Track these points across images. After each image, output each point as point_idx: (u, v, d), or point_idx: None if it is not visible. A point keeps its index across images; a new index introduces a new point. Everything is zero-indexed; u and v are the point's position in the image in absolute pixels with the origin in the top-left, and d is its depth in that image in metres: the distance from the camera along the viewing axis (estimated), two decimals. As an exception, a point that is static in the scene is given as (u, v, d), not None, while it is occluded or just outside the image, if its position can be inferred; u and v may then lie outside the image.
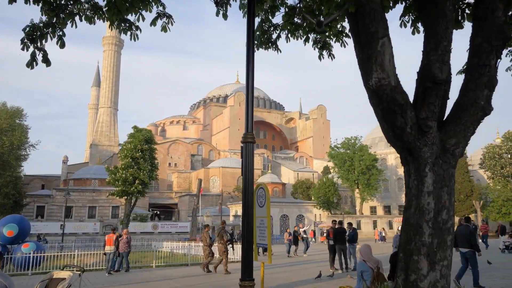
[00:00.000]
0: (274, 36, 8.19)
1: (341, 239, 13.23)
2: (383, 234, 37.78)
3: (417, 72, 4.65)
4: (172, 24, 6.64)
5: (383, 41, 4.46)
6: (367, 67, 4.57)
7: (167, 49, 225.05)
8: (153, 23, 6.48)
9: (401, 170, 62.06)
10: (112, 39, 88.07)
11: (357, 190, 54.76)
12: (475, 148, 77.09)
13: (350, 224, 14.16)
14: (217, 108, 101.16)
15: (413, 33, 6.18)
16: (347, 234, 13.66)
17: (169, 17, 6.54)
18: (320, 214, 55.26)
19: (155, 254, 17.10)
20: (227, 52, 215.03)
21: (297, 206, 48.40)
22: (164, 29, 6.62)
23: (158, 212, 57.21)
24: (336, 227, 13.74)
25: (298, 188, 69.75)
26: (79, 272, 6.09)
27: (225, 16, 7.49)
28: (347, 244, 13.65)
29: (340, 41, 7.46)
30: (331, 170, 62.65)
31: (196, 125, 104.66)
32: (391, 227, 52.10)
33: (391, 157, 61.57)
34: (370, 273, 5.47)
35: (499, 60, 4.78)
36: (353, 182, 52.96)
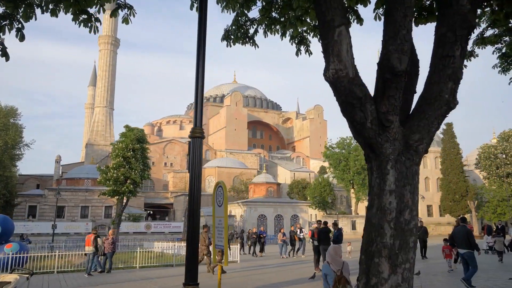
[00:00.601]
0: (251, 31, 7.95)
1: (325, 240, 12.99)
2: None
3: (377, 64, 4.39)
4: (134, 16, 6.38)
5: (340, 30, 4.20)
6: (325, 57, 4.32)
7: (166, 49, 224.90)
8: (114, 14, 6.22)
9: (396, 170, 61.81)
10: (108, 38, 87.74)
11: (352, 190, 54.56)
12: (472, 148, 77.06)
13: (335, 224, 13.91)
14: (213, 107, 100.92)
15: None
16: (332, 234, 13.40)
17: (130, 8, 6.28)
18: (316, 214, 55.05)
19: (139, 254, 16.80)
20: (224, 52, 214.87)
21: (292, 206, 48.17)
22: (125, 20, 6.36)
23: (152, 212, 56.85)
24: (321, 227, 13.47)
25: (294, 188, 69.56)
26: (27, 276, 5.81)
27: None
28: (332, 245, 13.38)
29: (318, 36, 7.22)
30: (327, 170, 62.46)
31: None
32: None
33: (386, 157, 61.30)
34: (333, 276, 5.21)
35: (474, 53, 4.54)
36: (348, 182, 52.75)
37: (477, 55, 10.30)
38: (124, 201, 35.21)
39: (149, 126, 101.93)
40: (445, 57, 4.42)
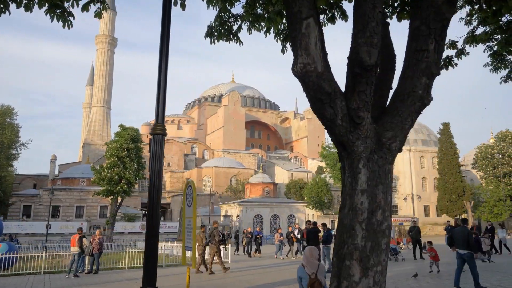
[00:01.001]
0: (235, 27, 7.77)
1: (314, 240, 12.80)
2: None
3: (347, 58, 4.21)
4: (106, 10, 6.19)
5: (308, 22, 4.02)
6: (293, 51, 4.15)
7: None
8: (85, 8, 6.03)
9: (394, 170, 61.46)
10: (105, 38, 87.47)
11: (349, 190, 54.35)
12: (469, 148, 76.86)
13: (324, 224, 13.74)
14: (211, 107, 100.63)
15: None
16: (321, 235, 13.22)
17: (102, 2, 6.09)
18: (313, 214, 54.85)
19: (127, 255, 16.59)
20: (223, 52, 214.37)
21: (288, 206, 47.98)
22: (98, 15, 6.17)
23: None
24: (310, 227, 13.28)
25: (292, 188, 69.45)
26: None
27: (183, 6, 7.09)
28: (321, 246, 13.22)
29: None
30: (324, 170, 62.29)
31: (190, 125, 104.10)
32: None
33: (384, 157, 61.18)
34: (307, 279, 5.02)
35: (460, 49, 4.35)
36: (345, 182, 52.52)
37: (467, 54, 10.13)
38: (119, 201, 35.02)
39: (147, 126, 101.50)
40: (419, 51, 4.25)
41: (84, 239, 13.90)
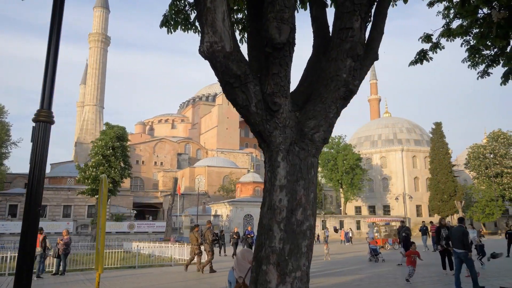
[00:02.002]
0: (193, 16, 7.29)
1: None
2: (350, 235, 35.82)
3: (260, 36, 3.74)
4: None
5: (214, -6, 3.55)
6: (200, 28, 3.68)
7: (162, 48, 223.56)
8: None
9: (386, 170, 61.51)
10: (98, 36, 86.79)
11: (341, 190, 54.01)
12: (463, 148, 76.58)
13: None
14: (205, 106, 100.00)
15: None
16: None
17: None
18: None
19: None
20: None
21: (279, 206, 47.50)
22: None
23: (136, 212, 56.10)
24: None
25: (284, 188, 68.93)
26: None
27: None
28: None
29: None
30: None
31: (184, 124, 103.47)
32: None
33: (376, 157, 60.86)
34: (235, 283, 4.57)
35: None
36: (336, 182, 52.17)
37: (443, 47, 9.71)
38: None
39: (141, 125, 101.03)
40: (343, 29, 3.78)
41: (46, 240, 13.40)
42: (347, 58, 3.76)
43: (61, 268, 13.84)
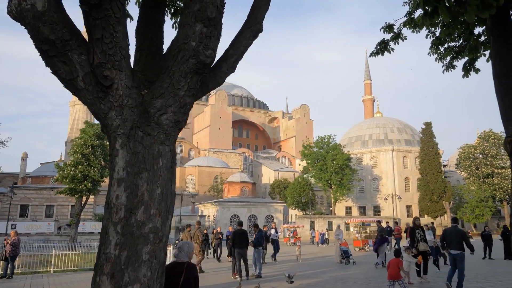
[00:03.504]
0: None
1: (241, 243, 11.63)
2: (326, 236, 34.70)
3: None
4: None
5: None
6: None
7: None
8: None
9: (376, 170, 60.89)
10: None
11: (330, 190, 53.36)
12: (455, 149, 76.06)
13: (256, 225, 12.61)
14: (198, 106, 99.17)
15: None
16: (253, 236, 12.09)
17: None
18: (296, 215, 53.75)
19: (53, 257, 15.32)
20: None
21: (266, 206, 46.83)
22: None
23: None
24: (237, 228, 12.11)
25: (276, 188, 68.32)
26: None
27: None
28: (254, 249, 12.11)
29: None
30: (311, 170, 61.20)
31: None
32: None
33: (366, 157, 60.24)
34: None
35: None
36: (325, 182, 51.50)
37: (405, 38, 9.09)
38: (83, 200, 33.74)
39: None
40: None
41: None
42: (196, 22, 3.08)
43: (8, 271, 13.12)
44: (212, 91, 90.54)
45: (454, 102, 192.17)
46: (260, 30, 3.75)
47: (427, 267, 11.10)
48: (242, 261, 11.50)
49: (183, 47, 3.09)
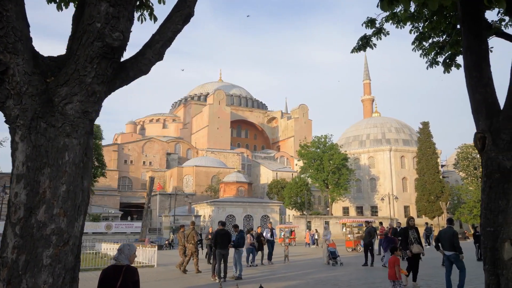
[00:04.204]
0: None
1: (222, 244, 11.33)
2: (316, 237, 33.79)
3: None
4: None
5: None
6: None
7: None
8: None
9: (374, 170, 60.51)
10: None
11: (327, 190, 53.03)
12: (454, 149, 75.53)
13: (235, 226, 12.31)
14: (197, 106, 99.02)
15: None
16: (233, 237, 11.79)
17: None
18: (293, 215, 53.42)
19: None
20: (210, 51, 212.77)
21: (262, 206, 46.52)
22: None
23: (113, 212, 55.06)
24: (219, 229, 11.80)
25: (273, 188, 68.02)
26: None
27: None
28: (235, 250, 11.81)
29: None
30: (303, 170, 60.88)
31: (176, 124, 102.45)
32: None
33: (364, 157, 59.85)
34: None
35: None
36: (322, 182, 51.16)
37: (387, 33, 8.81)
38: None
39: (132, 125, 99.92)
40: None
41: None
42: (101, 1, 2.78)
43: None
44: (210, 91, 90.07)
45: (454, 102, 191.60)
46: (191, 14, 3.46)
47: (417, 272, 10.36)
48: (223, 262, 11.21)
49: (87, 29, 2.79)
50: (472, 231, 47.46)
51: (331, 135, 53.00)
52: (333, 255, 15.60)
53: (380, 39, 8.84)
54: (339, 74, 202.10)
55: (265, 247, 17.22)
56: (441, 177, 50.74)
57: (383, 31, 8.64)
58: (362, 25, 8.69)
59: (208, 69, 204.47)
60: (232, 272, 11.91)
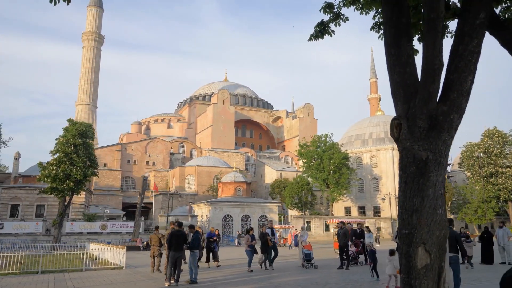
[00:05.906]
0: None
1: (177, 245, 10.67)
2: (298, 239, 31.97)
3: None
4: None
5: None
6: None
7: (160, 48, 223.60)
8: None
9: (376, 170, 59.23)
10: (91, 35, 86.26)
11: (327, 190, 52.09)
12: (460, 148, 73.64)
13: (192, 226, 11.65)
14: (201, 106, 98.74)
15: None
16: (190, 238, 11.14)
17: None
18: (295, 215, 52.64)
19: (13, 258, 14.62)
20: (217, 51, 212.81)
21: (260, 206, 45.79)
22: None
23: (109, 212, 54.92)
24: (175, 229, 11.14)
25: (276, 188, 67.33)
26: None
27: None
28: (190, 252, 11.16)
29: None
30: (304, 169, 60.04)
31: (180, 123, 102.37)
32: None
33: (366, 156, 58.67)
34: None
35: None
36: (322, 182, 50.24)
37: (346, 19, 8.18)
38: (67, 199, 33.23)
39: (137, 125, 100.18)
40: None
41: None
42: None
43: None
44: (215, 91, 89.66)
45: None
46: None
47: None
48: (177, 265, 10.57)
49: None
50: (478, 232, 46.11)
51: (332, 134, 52.18)
52: (307, 258, 14.83)
53: (339, 25, 8.18)
54: (345, 73, 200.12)
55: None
56: (447, 177, 49.37)
57: (341, 16, 7.99)
58: (320, 10, 8.04)
59: (214, 69, 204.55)
60: (186, 276, 11.24)
